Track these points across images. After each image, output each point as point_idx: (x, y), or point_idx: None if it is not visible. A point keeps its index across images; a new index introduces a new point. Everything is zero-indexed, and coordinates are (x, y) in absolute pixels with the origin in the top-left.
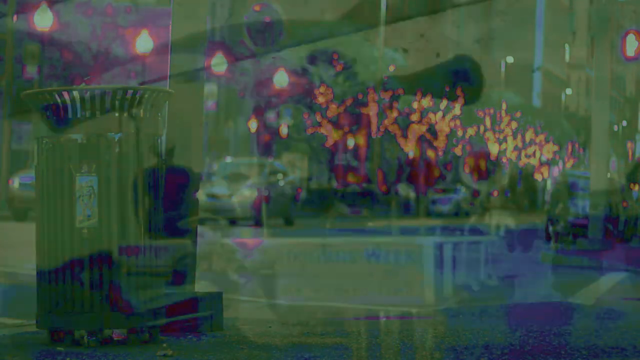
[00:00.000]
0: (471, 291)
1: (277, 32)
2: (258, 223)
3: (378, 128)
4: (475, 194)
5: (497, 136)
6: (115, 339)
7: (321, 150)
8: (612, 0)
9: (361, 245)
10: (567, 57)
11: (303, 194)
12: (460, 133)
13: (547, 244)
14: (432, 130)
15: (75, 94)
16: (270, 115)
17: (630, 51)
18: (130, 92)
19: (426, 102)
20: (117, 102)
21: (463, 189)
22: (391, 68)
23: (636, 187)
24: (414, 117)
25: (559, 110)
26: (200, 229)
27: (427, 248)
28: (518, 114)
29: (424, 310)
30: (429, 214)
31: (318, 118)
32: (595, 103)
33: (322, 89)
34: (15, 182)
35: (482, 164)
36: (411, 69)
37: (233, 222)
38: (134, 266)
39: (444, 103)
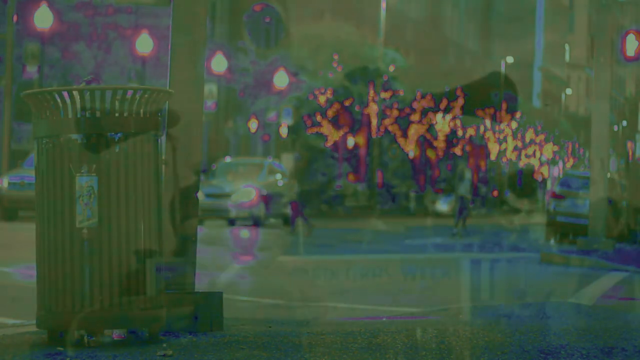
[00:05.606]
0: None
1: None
2: (257, 223)
3: (378, 128)
4: (475, 193)
5: (497, 136)
6: (115, 339)
7: (321, 149)
8: (612, 0)
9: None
10: (567, 57)
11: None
12: (460, 133)
13: (548, 243)
14: (432, 130)
15: (75, 94)
16: (270, 115)
17: (630, 51)
18: (130, 92)
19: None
20: (117, 102)
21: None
22: (391, 68)
23: None
24: (414, 117)
25: (559, 110)
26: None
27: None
28: (518, 114)
29: (423, 310)
30: (429, 214)
31: (318, 118)
32: (595, 103)
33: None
34: (5, 182)
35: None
36: (412, 69)
37: (232, 222)
38: (134, 266)
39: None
